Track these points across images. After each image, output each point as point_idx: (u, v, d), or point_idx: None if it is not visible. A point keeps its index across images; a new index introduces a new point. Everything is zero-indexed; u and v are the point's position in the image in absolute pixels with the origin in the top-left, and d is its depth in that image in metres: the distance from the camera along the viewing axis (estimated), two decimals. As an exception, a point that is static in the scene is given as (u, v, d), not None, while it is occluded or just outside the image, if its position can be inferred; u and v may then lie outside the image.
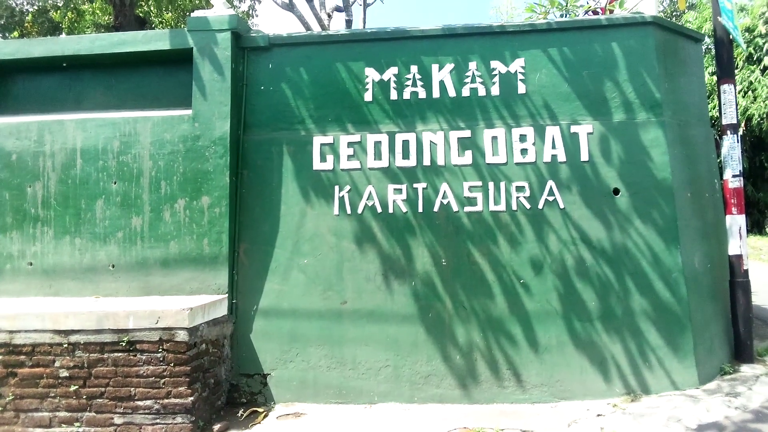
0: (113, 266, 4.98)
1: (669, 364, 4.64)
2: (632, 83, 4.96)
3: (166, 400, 4.14)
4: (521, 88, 5.03)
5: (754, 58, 16.21)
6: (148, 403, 4.15)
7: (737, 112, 5.43)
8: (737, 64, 15.93)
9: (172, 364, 4.15)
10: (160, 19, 14.26)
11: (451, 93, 5.09)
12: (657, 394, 4.57)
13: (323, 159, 5.10)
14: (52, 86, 5.51)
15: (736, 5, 6.33)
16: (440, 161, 5.00)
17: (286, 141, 5.16)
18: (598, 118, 4.95)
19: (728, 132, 5.37)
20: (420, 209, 4.95)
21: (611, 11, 5.94)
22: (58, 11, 14.36)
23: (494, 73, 5.07)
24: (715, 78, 6.35)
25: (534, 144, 4.95)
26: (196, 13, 5.28)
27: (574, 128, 4.94)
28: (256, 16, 16.70)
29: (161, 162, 5.04)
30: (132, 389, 4.16)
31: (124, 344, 4.17)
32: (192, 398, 4.15)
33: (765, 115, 15.54)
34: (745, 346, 5.17)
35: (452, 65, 5.11)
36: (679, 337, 4.67)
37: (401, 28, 5.23)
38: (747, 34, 16.00)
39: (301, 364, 4.85)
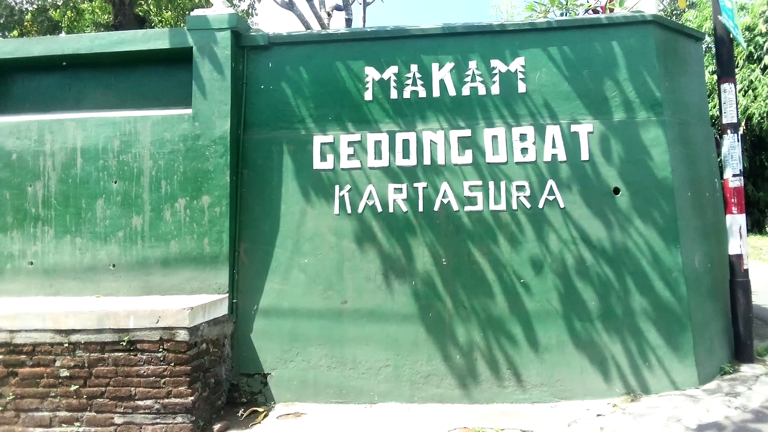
0: (114, 266, 4.98)
1: (669, 364, 4.64)
2: (632, 82, 4.96)
3: (166, 400, 4.14)
4: (521, 87, 5.02)
5: (755, 57, 16.20)
6: (149, 402, 4.15)
7: (737, 111, 5.43)
8: (737, 63, 15.92)
9: (172, 364, 4.16)
10: (159, 18, 14.25)
11: (452, 92, 5.08)
12: (657, 394, 4.58)
13: (323, 158, 5.10)
14: (52, 85, 5.51)
15: (736, 4, 6.32)
16: (440, 160, 5.00)
17: (286, 140, 5.15)
18: (599, 117, 4.95)
19: (728, 131, 5.36)
20: (420, 209, 4.95)
21: (611, 10, 5.95)
22: (58, 10, 14.34)
23: (494, 72, 5.06)
24: (715, 77, 6.34)
25: (534, 143, 4.94)
26: (196, 12, 5.27)
27: (574, 127, 4.93)
28: (256, 14, 16.67)
29: (161, 161, 5.04)
30: (132, 389, 4.17)
31: (124, 344, 4.17)
32: (192, 398, 4.15)
33: (765, 114, 15.52)
34: (745, 345, 5.17)
35: (452, 64, 5.11)
36: (679, 336, 4.67)
37: (401, 27, 5.22)
38: (747, 32, 15.98)
39: (301, 363, 4.85)
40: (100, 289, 4.96)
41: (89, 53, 5.27)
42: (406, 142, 5.05)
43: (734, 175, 5.30)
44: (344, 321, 4.88)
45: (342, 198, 5.02)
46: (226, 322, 4.81)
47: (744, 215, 5.28)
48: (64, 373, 4.19)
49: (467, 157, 4.98)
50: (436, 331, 4.81)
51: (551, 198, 4.86)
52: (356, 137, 5.09)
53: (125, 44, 5.22)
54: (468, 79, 5.08)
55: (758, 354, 5.33)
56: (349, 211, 5.00)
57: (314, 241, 5.00)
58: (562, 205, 4.85)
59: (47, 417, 4.19)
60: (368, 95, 5.14)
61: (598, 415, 4.29)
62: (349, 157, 5.08)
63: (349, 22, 12.65)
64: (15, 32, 15.68)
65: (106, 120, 5.13)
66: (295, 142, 5.14)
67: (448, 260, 4.87)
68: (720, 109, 5.48)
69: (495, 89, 5.04)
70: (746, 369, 5.00)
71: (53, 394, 4.19)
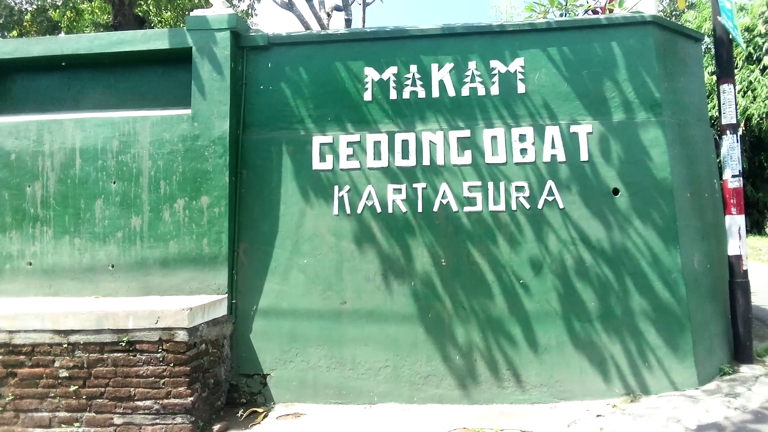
0: (113, 266, 4.98)
1: (668, 365, 4.64)
2: (632, 83, 4.96)
3: (165, 401, 4.13)
4: (521, 88, 5.02)
5: (754, 58, 16.23)
6: (148, 403, 4.14)
7: (737, 112, 5.44)
8: (737, 64, 15.94)
9: (171, 364, 4.15)
10: (159, 19, 14.24)
11: (451, 93, 5.08)
12: (656, 395, 4.58)
13: (323, 159, 5.10)
14: (51, 85, 5.51)
15: (735, 5, 6.33)
16: (440, 161, 5.00)
17: (286, 141, 5.15)
18: (598, 117, 4.95)
19: (728, 132, 5.37)
20: (419, 209, 4.94)
21: (611, 10, 5.94)
22: (57, 10, 14.34)
23: (494, 72, 5.06)
24: (714, 78, 6.35)
25: (533, 144, 4.94)
26: (195, 13, 5.27)
27: (573, 128, 4.93)
28: (256, 15, 16.67)
29: (160, 162, 5.03)
30: (132, 389, 4.16)
31: (123, 344, 4.17)
32: (192, 398, 4.15)
33: (764, 115, 15.55)
34: (744, 346, 5.17)
35: (452, 65, 5.11)
36: (678, 337, 4.67)
37: (400, 27, 5.22)
38: (746, 33, 16.01)
39: (300, 364, 4.85)
40: (99, 290, 4.95)
41: (88, 53, 5.27)
42: (405, 143, 5.04)
43: (733, 176, 5.30)
44: (343, 321, 4.88)
45: (341, 198, 5.02)
46: (225, 322, 4.80)
47: (743, 216, 5.29)
48: (64, 373, 4.19)
49: (466, 157, 4.97)
50: (435, 331, 4.81)
51: (550, 198, 4.86)
52: (355, 138, 5.09)
53: (125, 44, 5.22)
54: (467, 79, 5.08)
55: (757, 355, 5.33)
56: (348, 211, 5.00)
57: (313, 242, 4.99)
58: (561, 206, 4.85)
59: (46, 417, 4.19)
60: (367, 96, 5.14)
61: (598, 415, 4.29)
62: (349, 157, 5.07)
63: (348, 22, 12.65)
64: (14, 32, 15.68)
65: (105, 120, 5.13)
66: (295, 142, 5.14)
67: (447, 261, 4.87)
68: (719, 110, 5.48)
69: (494, 90, 5.04)
70: (746, 370, 5.00)
71: (52, 395, 4.19)
